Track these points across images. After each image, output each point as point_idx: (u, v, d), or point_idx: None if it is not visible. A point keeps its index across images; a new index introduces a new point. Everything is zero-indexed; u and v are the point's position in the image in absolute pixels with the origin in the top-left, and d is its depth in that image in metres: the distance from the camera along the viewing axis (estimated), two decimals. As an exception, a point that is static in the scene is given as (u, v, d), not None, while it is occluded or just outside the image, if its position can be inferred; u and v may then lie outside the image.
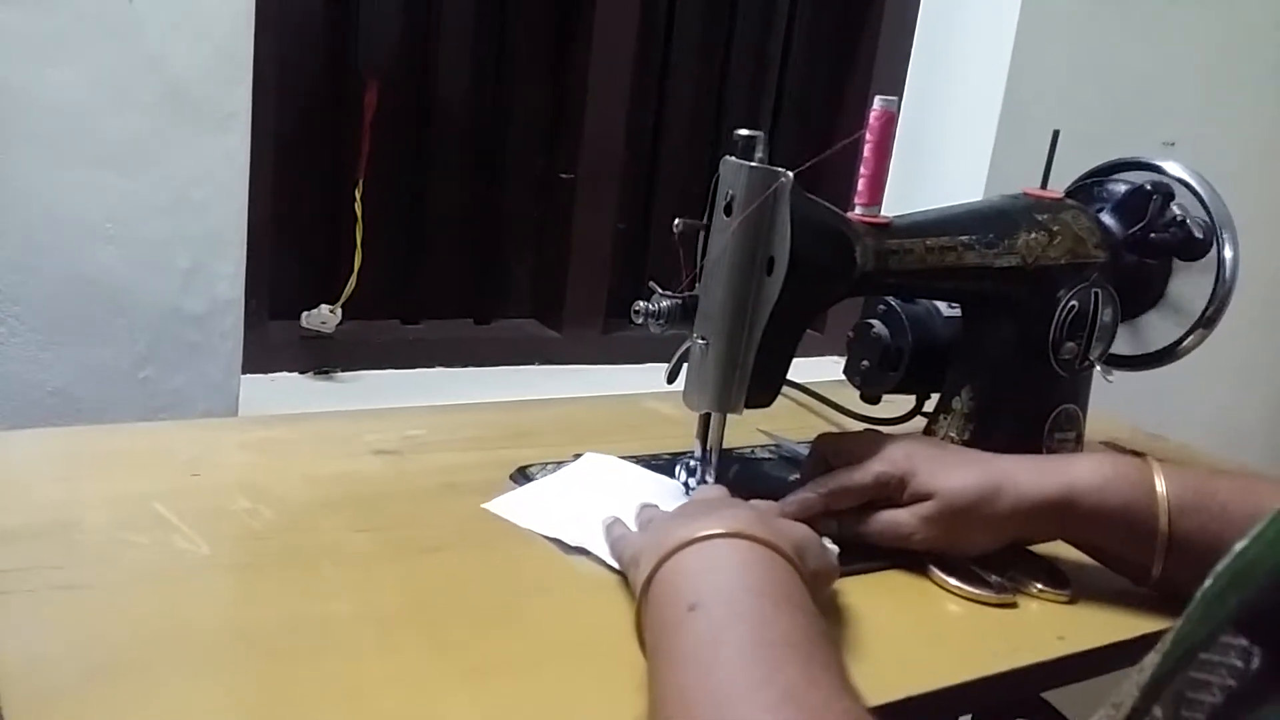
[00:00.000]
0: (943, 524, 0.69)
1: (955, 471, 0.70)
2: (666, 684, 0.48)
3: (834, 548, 0.64)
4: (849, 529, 0.72)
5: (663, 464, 0.83)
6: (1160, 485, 0.67)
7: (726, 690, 0.45)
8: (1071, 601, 0.71)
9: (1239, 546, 0.34)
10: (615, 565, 0.66)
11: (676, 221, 0.71)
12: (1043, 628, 0.68)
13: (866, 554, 0.72)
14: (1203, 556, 0.57)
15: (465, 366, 1.44)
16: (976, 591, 0.69)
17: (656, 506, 0.70)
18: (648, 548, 0.57)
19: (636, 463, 0.82)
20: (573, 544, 0.70)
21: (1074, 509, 0.68)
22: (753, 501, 0.66)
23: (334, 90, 1.33)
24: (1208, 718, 0.34)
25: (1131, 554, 0.68)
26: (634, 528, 0.68)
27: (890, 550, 0.72)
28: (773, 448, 0.93)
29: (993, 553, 0.71)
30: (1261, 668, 0.34)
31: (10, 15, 0.92)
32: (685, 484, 0.78)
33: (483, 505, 0.74)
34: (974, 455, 0.73)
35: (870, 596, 0.68)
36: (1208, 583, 0.34)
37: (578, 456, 0.82)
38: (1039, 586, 0.71)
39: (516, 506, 0.75)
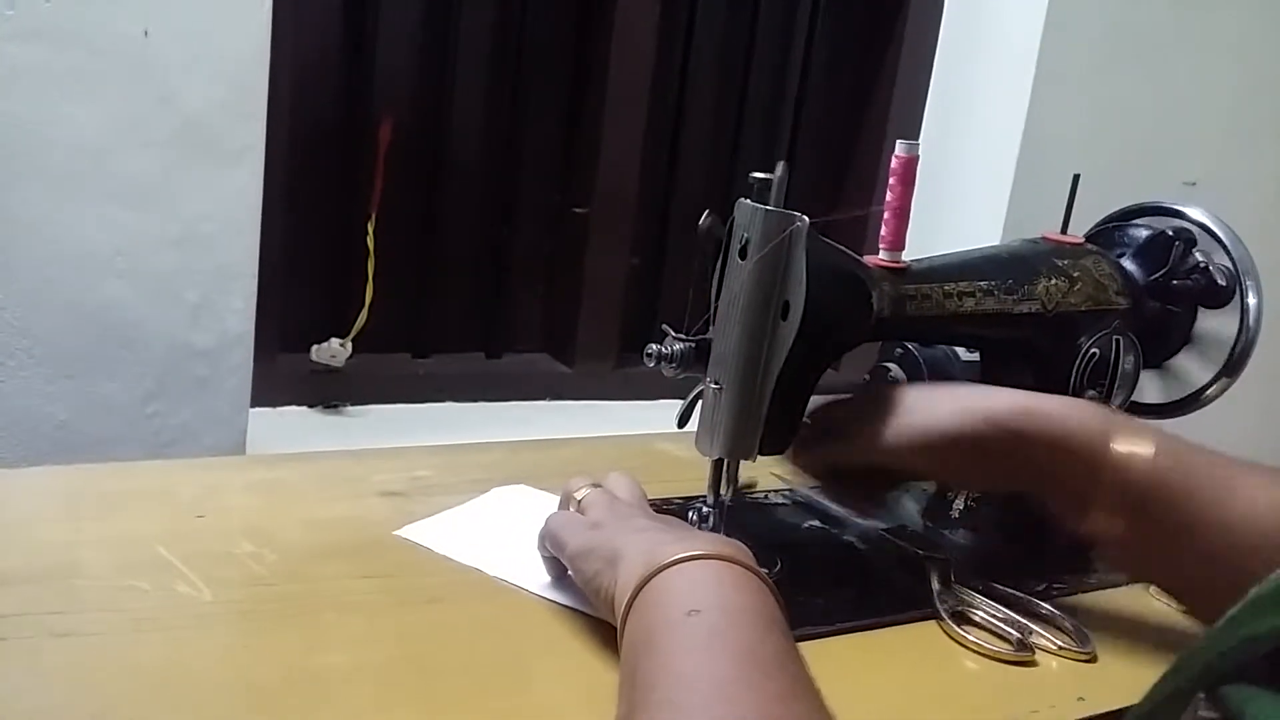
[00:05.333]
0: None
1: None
2: (664, 670, 0.49)
3: None
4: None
5: (675, 508, 0.81)
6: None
7: (731, 678, 0.48)
8: (1093, 660, 0.68)
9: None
10: (537, 589, 0.67)
11: (704, 217, 0.70)
12: (1063, 687, 0.66)
13: (878, 610, 0.70)
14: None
15: (475, 401, 1.44)
16: (994, 648, 0.67)
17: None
18: (634, 554, 0.58)
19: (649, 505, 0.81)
20: (492, 573, 0.70)
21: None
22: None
23: (348, 125, 1.33)
24: None
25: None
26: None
27: (908, 605, 0.70)
28: (786, 492, 0.91)
29: (1013, 606, 0.70)
30: None
31: (26, 52, 0.92)
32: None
33: (395, 532, 0.74)
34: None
35: (882, 651, 0.67)
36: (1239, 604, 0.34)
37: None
38: (1059, 644, 0.69)
39: (433, 533, 0.74)
